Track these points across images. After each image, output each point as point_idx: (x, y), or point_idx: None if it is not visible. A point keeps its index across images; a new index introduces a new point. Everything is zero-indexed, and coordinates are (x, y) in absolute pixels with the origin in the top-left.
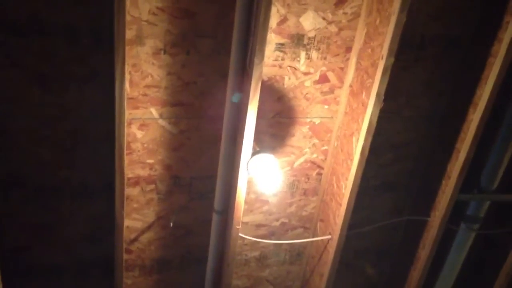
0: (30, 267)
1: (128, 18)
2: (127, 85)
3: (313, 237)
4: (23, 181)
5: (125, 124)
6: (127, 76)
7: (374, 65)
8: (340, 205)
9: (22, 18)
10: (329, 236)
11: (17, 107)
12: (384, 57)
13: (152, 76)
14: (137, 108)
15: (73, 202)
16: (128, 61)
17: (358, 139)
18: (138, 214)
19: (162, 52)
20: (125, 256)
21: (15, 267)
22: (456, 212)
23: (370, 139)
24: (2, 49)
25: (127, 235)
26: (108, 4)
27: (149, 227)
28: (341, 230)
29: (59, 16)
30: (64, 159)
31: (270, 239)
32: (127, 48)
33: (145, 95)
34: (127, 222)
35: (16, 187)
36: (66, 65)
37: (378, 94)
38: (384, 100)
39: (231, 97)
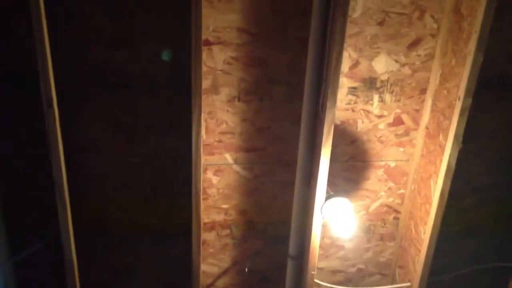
0: None
1: (204, 68)
2: (203, 132)
3: (391, 284)
4: (106, 226)
5: (201, 169)
6: (203, 123)
7: (451, 106)
8: (420, 251)
9: (107, 72)
10: (408, 284)
11: (101, 155)
12: (461, 98)
13: (226, 123)
14: (212, 154)
15: (152, 247)
16: (204, 109)
17: (436, 182)
18: (213, 259)
19: (236, 99)
20: None
21: None
22: None
23: (449, 182)
24: (90, 102)
25: (203, 280)
26: (185, 56)
27: (224, 272)
28: (421, 277)
29: (140, 69)
30: (145, 205)
31: (347, 286)
32: (203, 96)
33: (220, 141)
34: (203, 267)
35: (100, 232)
36: (147, 115)
37: (456, 136)
38: (463, 142)
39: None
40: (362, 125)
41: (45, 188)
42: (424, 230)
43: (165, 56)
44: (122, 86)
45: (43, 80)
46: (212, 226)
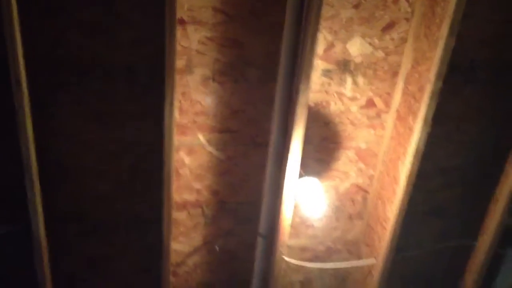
0: None
1: (178, 48)
2: (177, 112)
3: (358, 261)
4: (80, 215)
5: (173, 149)
6: (176, 104)
7: (422, 89)
8: (386, 229)
9: (84, 59)
10: (374, 260)
11: (76, 142)
12: (432, 81)
13: (200, 103)
14: (185, 134)
15: (128, 234)
16: (178, 90)
17: (404, 164)
18: (185, 238)
19: (211, 80)
20: (172, 279)
21: None
22: (505, 237)
23: (417, 163)
24: (65, 88)
25: (174, 258)
26: (162, 40)
27: (195, 251)
28: (386, 254)
29: (118, 57)
30: (121, 192)
31: (315, 263)
32: (177, 77)
33: (194, 122)
34: (174, 246)
35: (74, 221)
36: (123, 102)
37: (425, 119)
38: (432, 125)
39: None
40: (335, 107)
41: (16, 175)
42: (391, 210)
43: None
44: (97, 73)
45: (12, 59)
46: (183, 206)
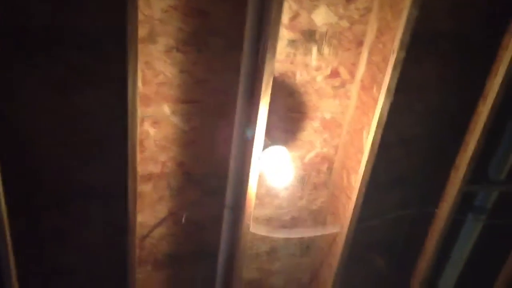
0: (47, 269)
1: (141, 17)
2: (139, 82)
3: (323, 230)
4: (40, 185)
5: (138, 121)
6: (139, 74)
7: (385, 59)
8: (350, 198)
9: (42, 25)
10: (338, 229)
11: (34, 110)
12: (395, 51)
13: (164, 73)
14: (149, 105)
15: (90, 206)
16: (141, 59)
17: (368, 133)
18: (150, 210)
19: (175, 50)
20: (138, 252)
21: (32, 270)
22: (464, 204)
23: (380, 133)
24: (22, 54)
25: (139, 230)
26: (122, 6)
27: (161, 223)
28: (350, 223)
29: (77, 22)
30: (81, 162)
31: (281, 233)
32: (140, 46)
33: (157, 92)
34: (139, 218)
35: (35, 192)
36: (81, 69)
37: (388, 89)
38: (395, 95)
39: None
40: (300, 77)
41: None
42: (355, 179)
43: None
44: (57, 39)
45: None
46: (149, 178)
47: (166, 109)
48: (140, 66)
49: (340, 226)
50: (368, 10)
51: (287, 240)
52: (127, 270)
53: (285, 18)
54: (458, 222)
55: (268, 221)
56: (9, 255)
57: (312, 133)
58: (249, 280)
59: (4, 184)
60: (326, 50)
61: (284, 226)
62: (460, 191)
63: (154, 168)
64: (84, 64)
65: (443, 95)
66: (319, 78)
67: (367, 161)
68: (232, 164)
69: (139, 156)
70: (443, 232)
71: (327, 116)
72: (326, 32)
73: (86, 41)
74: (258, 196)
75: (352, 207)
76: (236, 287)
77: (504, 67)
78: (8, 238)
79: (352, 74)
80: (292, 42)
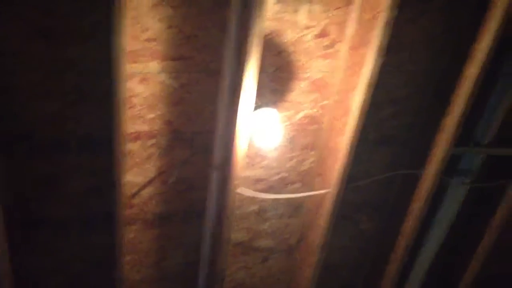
0: (34, 219)
1: None
2: (126, 38)
3: (311, 191)
4: (28, 134)
5: (125, 78)
6: (126, 29)
7: (376, 18)
8: (338, 159)
9: None
10: (327, 190)
11: (20, 61)
12: (387, 9)
13: (152, 29)
14: (137, 62)
15: (78, 156)
16: (128, 14)
17: (357, 94)
18: (139, 169)
19: (162, 5)
20: (126, 211)
21: (20, 219)
22: (451, 166)
23: (370, 93)
24: (4, 2)
25: (128, 189)
26: None
27: (150, 182)
28: (339, 184)
29: None
30: (68, 112)
31: (269, 193)
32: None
33: (145, 48)
34: (128, 177)
35: (22, 141)
36: (68, 19)
37: (379, 48)
38: (386, 54)
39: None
40: (289, 36)
41: None
42: (344, 140)
43: None
44: None
45: None
46: (137, 136)
47: (154, 65)
48: (127, 21)
49: (329, 187)
50: None
51: (276, 200)
52: (115, 228)
53: None
54: (445, 186)
55: (257, 182)
56: None
57: (300, 94)
58: (238, 240)
59: None
60: (316, 8)
61: (273, 186)
62: (446, 153)
63: (142, 126)
64: (71, 16)
65: (433, 56)
66: (309, 37)
67: (356, 122)
68: (221, 123)
69: (127, 114)
70: (429, 194)
71: (316, 76)
72: None
73: None
74: (247, 156)
75: (341, 168)
76: (224, 247)
77: (492, 28)
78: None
79: (342, 33)
80: None
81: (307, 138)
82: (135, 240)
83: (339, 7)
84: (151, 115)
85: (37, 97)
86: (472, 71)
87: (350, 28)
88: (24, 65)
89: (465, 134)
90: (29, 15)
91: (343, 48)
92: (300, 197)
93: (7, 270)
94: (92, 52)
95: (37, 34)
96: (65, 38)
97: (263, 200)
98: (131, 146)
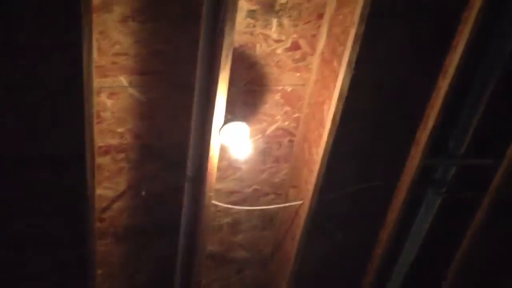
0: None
1: None
2: (95, 53)
3: (285, 202)
4: None
5: (94, 92)
6: (94, 44)
7: (345, 32)
8: (312, 171)
9: None
10: (300, 202)
11: None
12: (355, 24)
13: (120, 43)
14: (106, 76)
15: (43, 174)
16: (96, 28)
17: (329, 106)
18: (109, 183)
19: (130, 19)
20: (97, 224)
21: None
22: (424, 178)
23: (341, 106)
24: None
25: (98, 203)
26: None
27: (120, 196)
28: (313, 195)
29: None
30: (33, 129)
31: (243, 206)
32: (94, 15)
33: (114, 63)
34: (98, 191)
35: None
36: (34, 35)
37: (349, 61)
38: (356, 68)
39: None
40: (260, 49)
41: None
42: (317, 152)
43: None
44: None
45: None
46: (106, 150)
47: (123, 80)
48: (95, 35)
49: (302, 198)
50: None
51: (249, 212)
52: (87, 242)
53: None
54: (419, 197)
55: (230, 194)
56: None
57: (273, 106)
58: (212, 252)
59: None
60: (286, 21)
61: (246, 198)
62: (420, 164)
63: (112, 140)
64: (38, 31)
65: (403, 68)
66: (280, 50)
67: (329, 134)
68: (193, 137)
69: (96, 128)
70: (403, 205)
71: (288, 89)
72: (286, 3)
73: (36, 5)
74: (219, 169)
75: (314, 180)
76: (199, 259)
77: (463, 41)
78: None
79: (312, 46)
80: (251, 13)
81: (280, 150)
82: (107, 253)
83: (309, 21)
84: (121, 129)
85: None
86: (444, 83)
87: (321, 42)
88: None
89: (439, 145)
90: None
91: (314, 61)
92: (273, 209)
93: None
94: (59, 69)
95: (2, 50)
96: (29, 55)
97: (237, 212)
98: (101, 160)
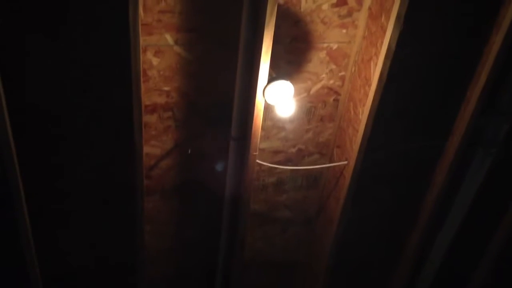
0: (54, 194)
1: None
2: (141, 10)
3: (329, 163)
4: (40, 115)
5: (140, 50)
6: (140, 1)
7: None
8: (357, 131)
9: None
10: (345, 162)
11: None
12: None
13: (165, 1)
14: (151, 34)
15: (93, 131)
16: None
17: (376, 64)
18: (156, 141)
19: None
20: (145, 182)
21: (40, 194)
22: (474, 137)
23: (388, 64)
24: None
25: (146, 161)
26: None
27: (167, 154)
28: (358, 155)
29: None
30: (84, 90)
31: (287, 165)
32: None
33: (159, 20)
34: (146, 149)
35: (40, 124)
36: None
37: (398, 16)
38: (404, 23)
39: None
40: (305, 6)
41: None
42: (362, 111)
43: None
44: None
45: None
46: (153, 109)
47: (168, 38)
48: None
49: (347, 159)
50: None
51: (294, 172)
52: (135, 199)
53: None
54: (469, 157)
55: (275, 154)
56: (18, 180)
57: (318, 64)
58: (256, 211)
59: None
60: None
61: (291, 158)
62: (470, 123)
63: (159, 99)
64: None
65: (455, 23)
66: (325, 6)
67: (375, 93)
68: (237, 95)
69: (143, 86)
70: (452, 165)
71: (334, 46)
72: None
73: None
74: (264, 128)
75: (359, 140)
76: (244, 218)
77: None
78: (16, 163)
79: (359, 2)
80: None
81: (325, 109)
82: (154, 210)
83: None
84: (167, 87)
85: (51, 77)
86: (497, 37)
87: None
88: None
89: (491, 104)
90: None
91: (361, 17)
92: (318, 169)
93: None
94: (104, 26)
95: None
96: (77, 13)
97: (281, 172)
98: (148, 119)
